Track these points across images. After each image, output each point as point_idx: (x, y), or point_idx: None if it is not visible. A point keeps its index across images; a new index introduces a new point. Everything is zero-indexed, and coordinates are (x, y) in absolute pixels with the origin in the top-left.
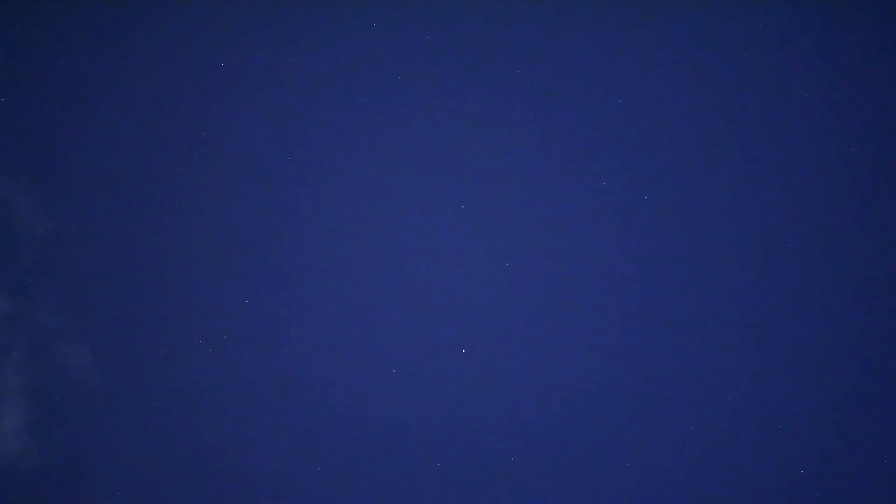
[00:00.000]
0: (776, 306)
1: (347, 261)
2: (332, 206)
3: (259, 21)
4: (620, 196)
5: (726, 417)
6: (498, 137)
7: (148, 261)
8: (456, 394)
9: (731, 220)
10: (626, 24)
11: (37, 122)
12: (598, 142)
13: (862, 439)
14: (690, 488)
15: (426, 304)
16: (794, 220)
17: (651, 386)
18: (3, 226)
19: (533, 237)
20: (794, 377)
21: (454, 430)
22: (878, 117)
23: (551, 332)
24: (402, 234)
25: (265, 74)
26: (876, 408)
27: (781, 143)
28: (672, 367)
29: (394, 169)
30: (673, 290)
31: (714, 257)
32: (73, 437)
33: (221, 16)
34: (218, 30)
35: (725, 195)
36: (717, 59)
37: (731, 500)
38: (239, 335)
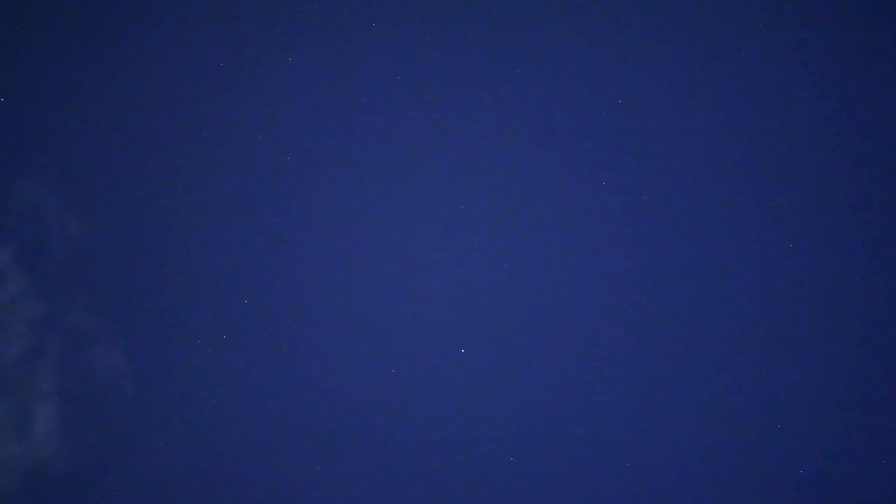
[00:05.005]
0: (777, 306)
1: (352, 262)
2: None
3: (258, 19)
4: (620, 196)
5: (726, 418)
6: (498, 136)
7: (178, 263)
8: (455, 394)
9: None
10: (629, 24)
11: (66, 127)
12: (596, 141)
13: (864, 440)
14: (690, 489)
15: (426, 304)
16: (796, 221)
17: (652, 387)
18: (34, 229)
19: (533, 237)
20: (795, 377)
21: (452, 431)
22: (879, 117)
23: (551, 332)
24: (402, 234)
25: (268, 75)
26: (877, 408)
27: (783, 143)
28: (673, 367)
29: (397, 168)
30: (672, 291)
31: (714, 258)
32: (103, 439)
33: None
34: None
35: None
36: (719, 61)
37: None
38: (267, 337)
